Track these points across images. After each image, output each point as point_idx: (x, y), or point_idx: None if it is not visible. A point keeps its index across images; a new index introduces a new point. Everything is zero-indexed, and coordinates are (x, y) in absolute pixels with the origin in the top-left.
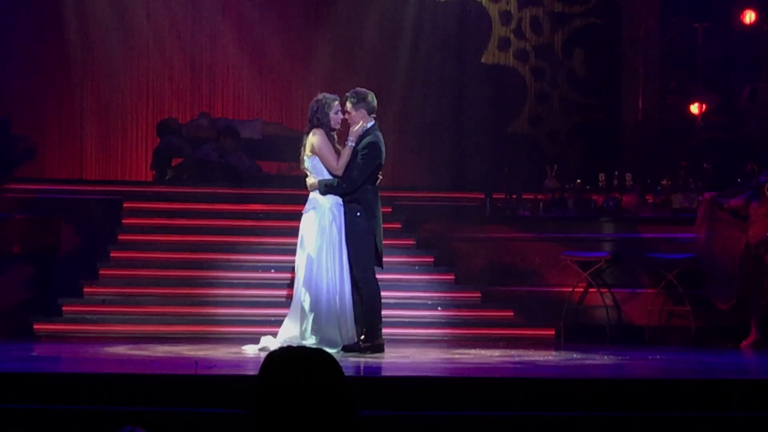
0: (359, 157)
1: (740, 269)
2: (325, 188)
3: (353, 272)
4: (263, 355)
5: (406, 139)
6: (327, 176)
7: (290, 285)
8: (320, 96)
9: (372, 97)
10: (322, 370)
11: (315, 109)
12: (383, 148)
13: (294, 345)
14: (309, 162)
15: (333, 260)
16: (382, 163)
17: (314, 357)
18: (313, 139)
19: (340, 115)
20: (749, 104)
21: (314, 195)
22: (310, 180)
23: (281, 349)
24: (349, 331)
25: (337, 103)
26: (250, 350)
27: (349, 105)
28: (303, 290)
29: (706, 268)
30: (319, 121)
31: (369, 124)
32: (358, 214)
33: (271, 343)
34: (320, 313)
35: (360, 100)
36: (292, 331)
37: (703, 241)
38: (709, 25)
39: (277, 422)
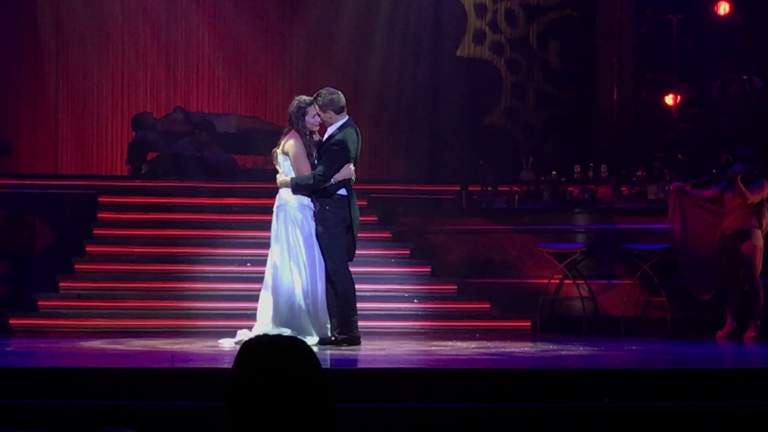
0: (327, 154)
1: (716, 260)
2: (296, 186)
3: (326, 266)
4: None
5: (382, 132)
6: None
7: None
8: (296, 100)
9: (338, 97)
10: (297, 358)
11: (293, 113)
12: (351, 146)
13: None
14: (281, 159)
15: (300, 254)
16: (353, 159)
17: (290, 345)
18: (289, 144)
19: (317, 119)
20: (720, 97)
21: (282, 191)
22: (281, 178)
23: (257, 337)
24: (322, 325)
25: (311, 108)
26: (226, 344)
27: (316, 108)
28: (274, 285)
29: (683, 259)
30: (297, 125)
31: (341, 122)
32: (328, 207)
33: (247, 336)
34: (293, 307)
35: (325, 103)
36: (267, 325)
37: (678, 232)
38: (684, 16)
39: (253, 411)
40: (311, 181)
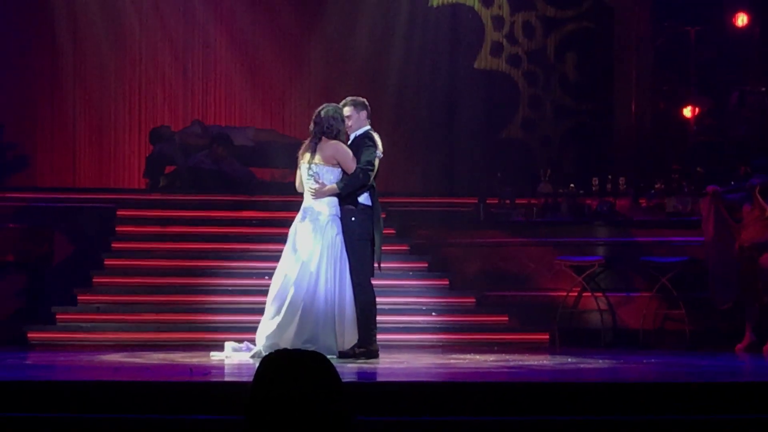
0: (361, 147)
1: (736, 271)
2: (345, 187)
3: (350, 278)
4: (229, 361)
5: (399, 144)
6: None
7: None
8: (331, 107)
9: (366, 102)
10: (317, 372)
11: (330, 121)
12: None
13: (290, 348)
14: (318, 170)
15: (332, 268)
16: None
17: (309, 359)
18: (333, 149)
19: (347, 123)
20: (738, 108)
21: (311, 203)
22: (324, 187)
23: (277, 351)
24: (346, 339)
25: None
26: (216, 357)
27: (348, 110)
28: (299, 297)
29: (711, 268)
30: (338, 132)
31: (365, 128)
32: (353, 219)
33: (232, 348)
34: (318, 320)
35: (360, 103)
36: (278, 336)
37: (711, 239)
38: (701, 28)
39: (272, 425)
40: (359, 176)
